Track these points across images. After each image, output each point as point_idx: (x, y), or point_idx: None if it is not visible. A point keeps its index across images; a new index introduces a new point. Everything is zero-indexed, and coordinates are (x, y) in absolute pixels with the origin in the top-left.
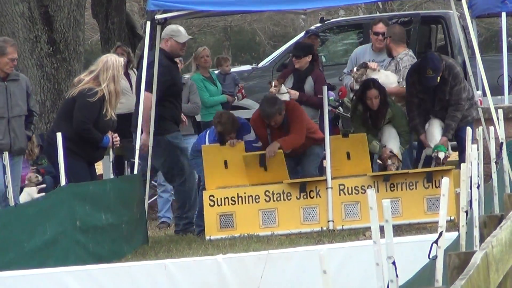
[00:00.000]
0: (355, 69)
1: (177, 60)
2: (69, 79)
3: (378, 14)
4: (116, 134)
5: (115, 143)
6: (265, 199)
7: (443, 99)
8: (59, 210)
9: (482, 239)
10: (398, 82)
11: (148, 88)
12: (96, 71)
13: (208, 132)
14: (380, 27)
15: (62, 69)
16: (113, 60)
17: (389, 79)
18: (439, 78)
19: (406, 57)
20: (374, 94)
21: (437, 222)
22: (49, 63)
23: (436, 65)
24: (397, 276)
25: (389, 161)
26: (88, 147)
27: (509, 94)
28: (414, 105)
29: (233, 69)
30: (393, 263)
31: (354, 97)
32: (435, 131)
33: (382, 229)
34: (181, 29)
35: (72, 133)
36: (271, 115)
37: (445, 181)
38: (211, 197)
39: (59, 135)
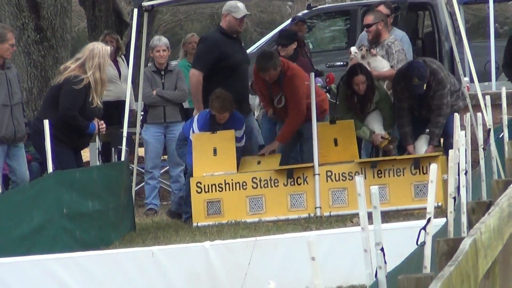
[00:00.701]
0: (352, 49)
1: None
2: (56, 66)
3: (365, 0)
4: (102, 121)
5: (101, 130)
6: (252, 186)
7: (429, 103)
8: (46, 197)
9: (470, 225)
10: (392, 66)
11: (195, 65)
12: (82, 59)
13: (195, 119)
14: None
15: (49, 56)
16: (100, 48)
17: (381, 63)
18: (425, 85)
19: (396, 41)
20: (361, 80)
21: (424, 208)
22: (36, 51)
23: (422, 73)
24: (385, 262)
25: (391, 146)
26: (74, 135)
27: (496, 81)
28: (405, 111)
29: None
30: (382, 249)
31: (340, 83)
32: (422, 146)
33: (369, 215)
34: (240, 4)
35: (58, 121)
36: (265, 69)
37: (434, 167)
38: (198, 184)
39: (46, 122)
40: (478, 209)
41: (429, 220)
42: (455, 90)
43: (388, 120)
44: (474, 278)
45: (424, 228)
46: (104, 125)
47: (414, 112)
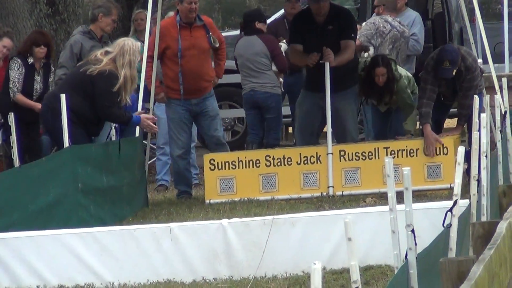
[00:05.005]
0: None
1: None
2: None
3: None
4: (152, 116)
5: (151, 125)
6: (265, 164)
7: (458, 89)
8: (62, 172)
9: (501, 208)
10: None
11: None
12: (113, 55)
13: None
14: None
15: (61, 31)
16: (130, 44)
17: None
18: (455, 71)
19: (378, 18)
20: (381, 72)
21: (437, 190)
22: (48, 24)
23: (454, 58)
24: (415, 244)
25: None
26: (89, 123)
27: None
28: (434, 97)
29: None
30: (412, 231)
31: (363, 72)
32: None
33: (383, 196)
34: None
35: (78, 106)
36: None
37: (461, 150)
38: (212, 161)
39: (63, 97)
40: (509, 192)
41: (455, 202)
42: (480, 74)
43: (406, 110)
44: (510, 261)
45: (450, 210)
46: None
47: (445, 102)
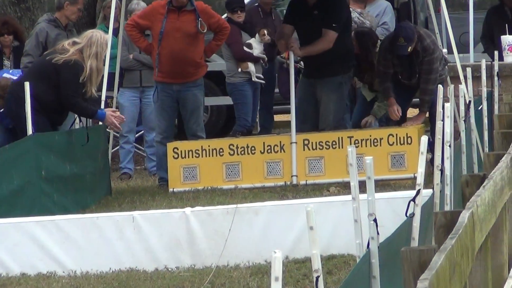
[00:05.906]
0: None
1: None
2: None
3: None
4: (121, 116)
5: (115, 123)
6: (229, 153)
7: (418, 71)
8: (25, 160)
9: (464, 198)
10: None
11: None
12: (80, 46)
13: None
14: None
15: (25, 18)
16: (98, 36)
17: None
18: (410, 48)
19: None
20: (354, 41)
21: (400, 179)
22: (12, 12)
23: (409, 35)
24: (378, 233)
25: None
26: (53, 112)
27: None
28: (389, 76)
29: None
30: (375, 220)
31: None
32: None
33: (347, 185)
34: None
35: (42, 95)
36: None
37: (424, 139)
38: (175, 149)
39: (27, 85)
40: (472, 182)
41: (418, 192)
42: (440, 57)
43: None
44: (471, 251)
45: (413, 199)
46: (119, 120)
47: (402, 80)
